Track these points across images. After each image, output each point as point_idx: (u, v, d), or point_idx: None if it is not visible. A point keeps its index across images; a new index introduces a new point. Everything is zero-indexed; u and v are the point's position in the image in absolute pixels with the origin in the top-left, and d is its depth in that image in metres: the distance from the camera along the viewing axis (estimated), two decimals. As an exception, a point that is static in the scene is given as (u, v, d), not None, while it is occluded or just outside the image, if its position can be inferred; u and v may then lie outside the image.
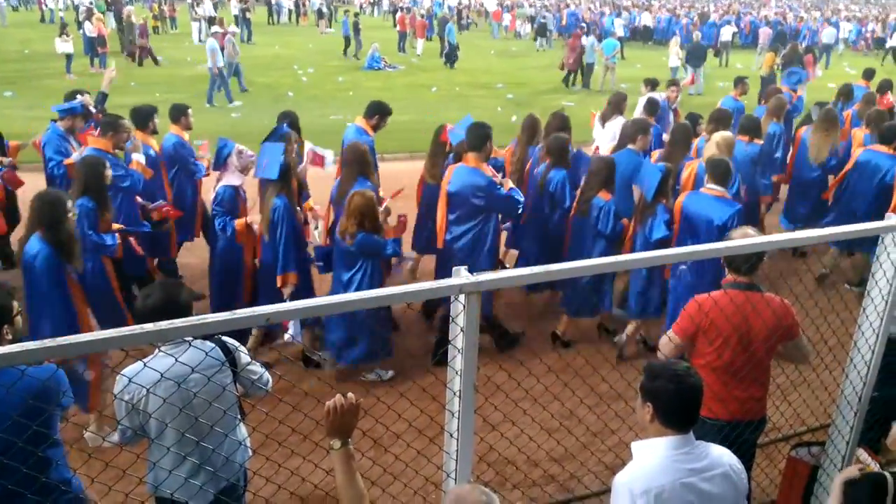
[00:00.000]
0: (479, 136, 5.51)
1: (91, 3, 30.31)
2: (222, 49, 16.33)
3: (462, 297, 2.23)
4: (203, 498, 2.92)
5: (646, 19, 34.81)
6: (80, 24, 23.33)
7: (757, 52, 26.57)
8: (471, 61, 25.18)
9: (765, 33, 27.39)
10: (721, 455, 2.50)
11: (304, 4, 40.17)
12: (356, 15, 27.35)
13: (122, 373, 2.74)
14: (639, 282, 5.77)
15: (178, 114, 6.74)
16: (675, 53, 20.53)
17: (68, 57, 19.28)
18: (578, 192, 6.00)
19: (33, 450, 2.44)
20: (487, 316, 5.79)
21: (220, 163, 5.58)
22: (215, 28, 17.71)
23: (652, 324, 5.90)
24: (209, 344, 2.93)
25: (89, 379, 4.34)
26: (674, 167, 6.07)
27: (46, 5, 35.46)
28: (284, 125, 6.28)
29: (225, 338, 3.04)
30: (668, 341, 3.44)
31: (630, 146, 6.45)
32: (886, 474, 2.73)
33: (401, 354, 5.66)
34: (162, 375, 2.39)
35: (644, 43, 33.45)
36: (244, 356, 3.10)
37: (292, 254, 5.24)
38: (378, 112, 6.83)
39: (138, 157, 6.08)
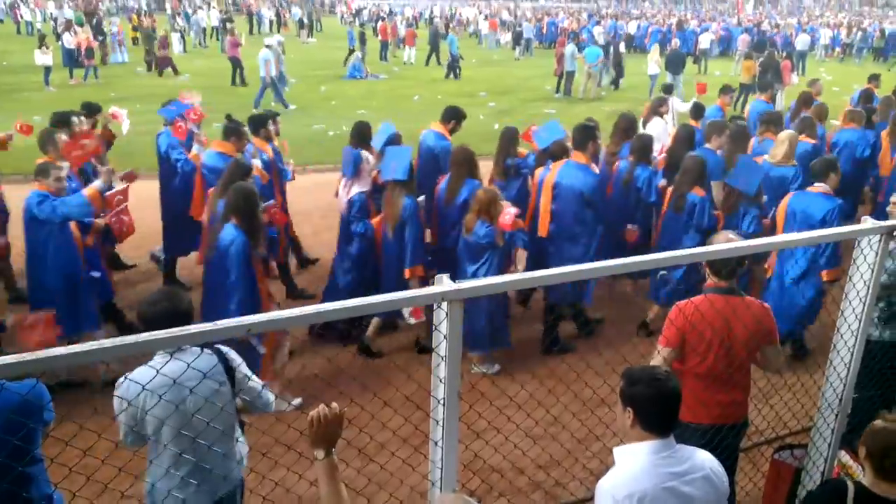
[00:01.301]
0: (584, 136, 6.07)
1: (69, 16, 30.16)
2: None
3: (445, 305, 2.23)
4: None
5: (631, 27, 35.12)
6: (58, 37, 23.17)
7: (735, 59, 26.88)
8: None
9: (743, 40, 27.70)
10: (702, 458, 2.52)
11: (284, 15, 40.18)
12: (362, 26, 27.40)
13: (126, 376, 2.72)
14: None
15: (260, 126, 6.95)
16: (654, 61, 20.71)
17: (47, 69, 19.12)
18: (669, 189, 6.31)
19: (14, 465, 2.41)
20: (574, 303, 6.22)
21: (353, 171, 5.86)
22: (268, 40, 18.22)
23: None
24: (212, 357, 2.89)
25: (263, 352, 4.83)
26: (731, 166, 6.45)
27: (22, 17, 35.16)
28: (393, 127, 6.71)
29: (227, 351, 3.01)
30: (657, 355, 3.42)
31: (706, 145, 6.94)
32: (847, 480, 2.75)
33: (382, 362, 5.65)
34: (169, 378, 2.39)
35: (628, 51, 33.72)
36: (242, 373, 3.04)
37: (420, 250, 5.67)
38: (454, 117, 7.19)
39: (256, 163, 6.32)
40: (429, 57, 27.10)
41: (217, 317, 4.90)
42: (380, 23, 30.33)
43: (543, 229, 6.09)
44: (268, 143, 6.88)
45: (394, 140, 6.46)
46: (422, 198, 5.93)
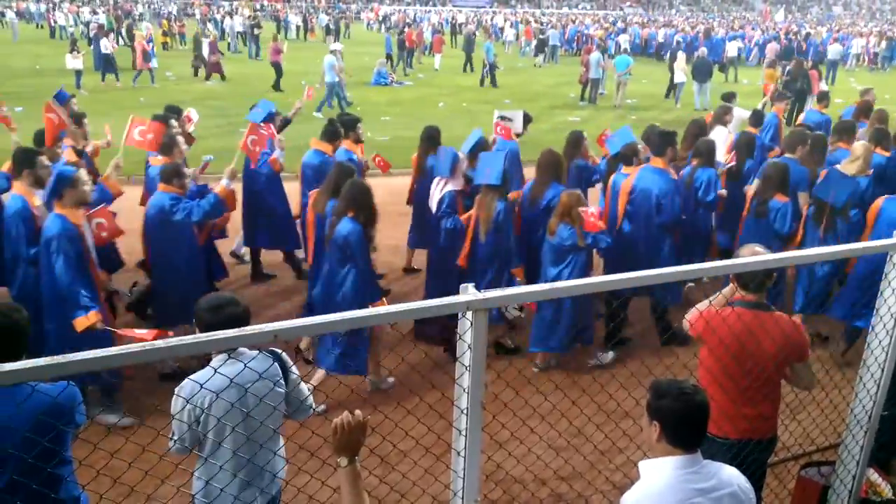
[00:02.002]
0: (663, 142, 6.25)
1: (101, 21, 30.70)
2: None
3: (469, 314, 2.23)
4: None
5: (660, 35, 34.99)
6: (90, 41, 23.62)
7: (763, 68, 26.61)
8: (478, 77, 25.34)
9: (772, 49, 27.44)
10: (729, 474, 2.49)
11: (311, 21, 40.57)
12: (400, 33, 27.65)
13: (189, 378, 2.75)
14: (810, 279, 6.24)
15: (349, 129, 7.23)
16: (681, 69, 20.59)
17: (78, 73, 19.48)
18: (749, 196, 6.42)
19: (44, 467, 2.45)
20: (665, 309, 6.34)
21: (450, 171, 6.09)
22: (333, 45, 18.80)
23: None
24: (268, 357, 2.95)
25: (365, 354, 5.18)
26: (811, 176, 6.63)
27: (56, 22, 35.88)
28: (481, 133, 7.01)
29: (281, 353, 3.04)
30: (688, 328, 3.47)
31: (788, 155, 6.97)
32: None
33: (405, 370, 5.66)
34: (231, 379, 2.46)
35: (657, 59, 33.59)
36: (295, 374, 3.08)
37: (516, 250, 5.90)
38: (523, 121, 7.64)
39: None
40: (465, 64, 27.26)
41: (334, 305, 5.06)
42: (406, 29, 30.51)
43: (617, 231, 6.26)
44: (357, 144, 7.21)
45: (481, 145, 6.76)
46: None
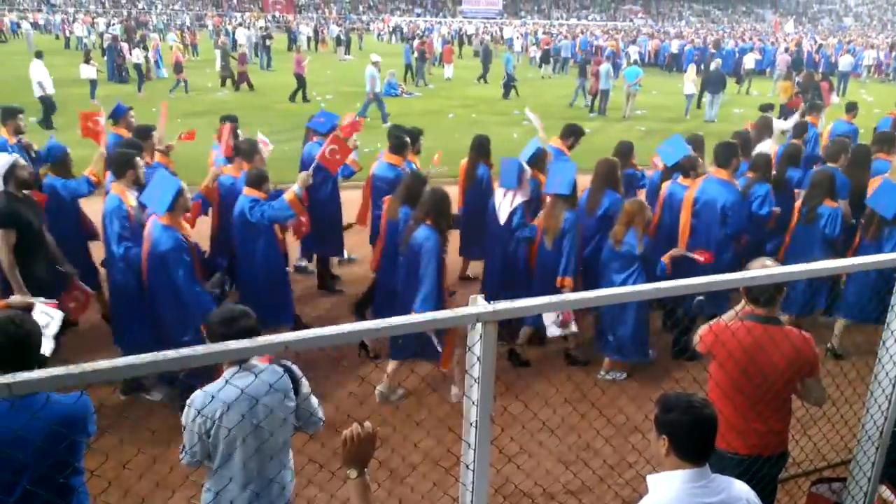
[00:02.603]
0: (728, 153, 6.25)
1: (116, 32, 31.01)
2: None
3: (479, 326, 2.23)
4: None
5: (674, 46, 35.02)
6: (104, 51, 23.85)
7: (774, 79, 26.58)
8: (488, 88, 25.41)
9: (783, 60, 27.39)
10: (738, 489, 2.48)
11: (322, 32, 40.82)
12: (422, 43, 27.85)
13: (202, 389, 2.78)
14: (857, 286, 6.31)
15: (414, 141, 7.46)
16: (690, 80, 20.59)
17: (92, 83, 19.66)
18: (799, 201, 6.54)
19: (57, 476, 2.46)
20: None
21: (517, 182, 6.12)
22: (374, 57, 19.12)
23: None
24: (279, 370, 2.96)
25: (443, 347, 5.16)
26: (855, 186, 6.75)
27: (72, 32, 36.26)
28: (539, 143, 7.07)
29: (291, 366, 3.05)
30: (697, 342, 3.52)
31: (831, 164, 7.05)
32: None
33: (415, 382, 5.66)
34: (242, 391, 2.48)
35: (669, 71, 33.60)
36: (305, 387, 3.08)
37: (575, 262, 5.87)
38: (573, 133, 7.62)
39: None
40: (482, 75, 27.36)
41: (402, 309, 5.00)
42: (416, 40, 30.66)
43: (683, 243, 6.30)
44: (416, 155, 7.44)
45: (539, 155, 6.87)
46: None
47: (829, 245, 6.25)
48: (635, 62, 23.57)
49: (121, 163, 5.48)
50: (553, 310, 2.39)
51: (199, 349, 1.93)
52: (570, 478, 3.55)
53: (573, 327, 5.74)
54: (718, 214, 6.13)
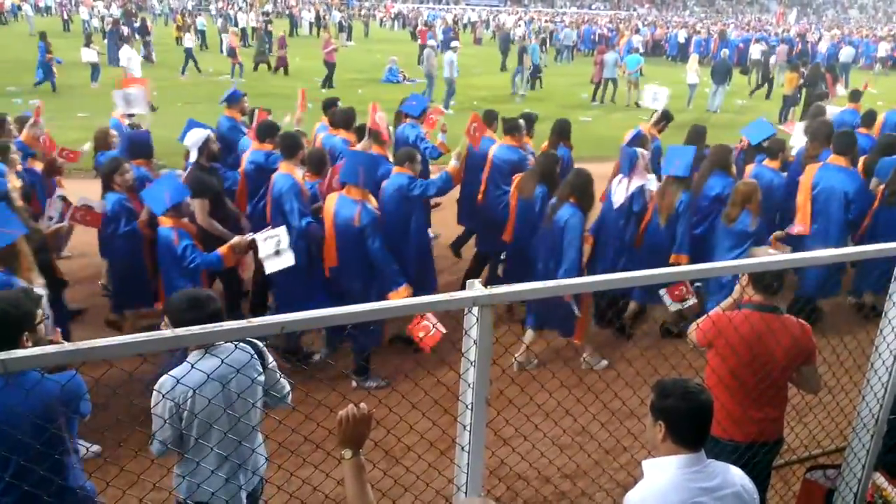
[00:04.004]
0: (848, 141, 6.48)
1: (118, 16, 30.83)
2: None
3: (475, 310, 2.24)
4: (236, 502, 2.96)
5: (681, 36, 34.81)
6: (104, 34, 23.71)
7: (776, 71, 26.46)
8: (489, 76, 25.30)
9: (781, 51, 27.27)
10: (733, 475, 2.48)
11: (324, 17, 40.63)
12: (405, 28, 27.78)
13: (168, 374, 2.76)
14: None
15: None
16: (693, 70, 20.49)
17: (94, 66, 19.55)
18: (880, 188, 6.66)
19: (51, 453, 2.47)
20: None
21: (630, 169, 6.25)
22: (454, 43, 19.51)
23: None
24: (246, 347, 2.95)
25: (578, 315, 5.61)
26: None
27: (69, 15, 35.94)
28: (640, 129, 7.73)
29: (259, 344, 3.06)
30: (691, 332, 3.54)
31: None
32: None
33: (411, 365, 5.68)
34: (208, 377, 2.44)
35: (675, 61, 33.41)
36: (271, 360, 3.12)
37: (688, 240, 6.14)
38: (665, 119, 8.21)
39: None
40: (503, 64, 27.27)
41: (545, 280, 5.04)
42: (419, 27, 30.50)
43: (806, 227, 6.52)
44: (531, 139, 7.74)
45: (639, 140, 7.25)
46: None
47: None
48: (636, 50, 23.45)
49: (292, 144, 5.79)
50: (547, 294, 2.39)
51: (194, 329, 1.93)
52: (566, 461, 3.57)
53: (691, 300, 5.91)
54: (840, 201, 6.32)
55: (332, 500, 2.88)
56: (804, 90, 18.07)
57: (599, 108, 19.96)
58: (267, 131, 6.59)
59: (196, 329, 1.92)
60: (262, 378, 3.00)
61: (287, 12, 42.35)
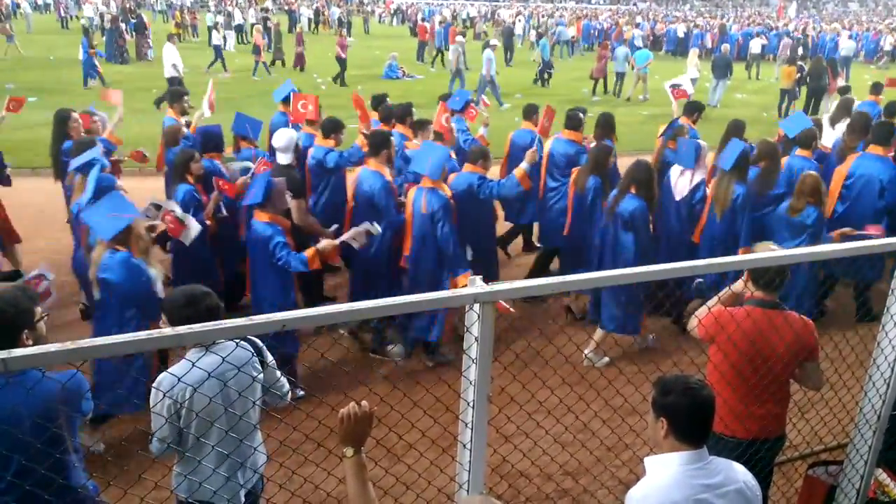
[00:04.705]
0: (886, 132, 6.60)
1: (116, 12, 30.75)
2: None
3: (477, 307, 2.23)
4: (237, 501, 2.95)
5: (680, 31, 34.77)
6: (103, 31, 23.64)
7: (777, 64, 26.40)
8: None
9: (785, 45, 27.21)
10: (736, 471, 2.48)
11: (323, 13, 40.51)
12: (404, 23, 27.82)
13: (167, 372, 2.76)
14: None
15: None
16: (693, 65, 20.46)
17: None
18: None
19: (52, 452, 2.47)
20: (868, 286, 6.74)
21: (694, 162, 6.44)
22: (491, 41, 19.60)
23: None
24: (245, 345, 2.94)
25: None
26: None
27: (68, 12, 35.79)
28: (678, 121, 7.73)
29: (258, 342, 3.06)
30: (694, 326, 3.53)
31: None
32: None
33: (412, 362, 5.68)
34: (209, 374, 2.42)
35: (675, 56, 33.34)
36: (269, 356, 3.11)
37: (748, 232, 6.17)
38: (697, 109, 8.39)
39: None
40: (507, 59, 27.23)
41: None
42: (419, 23, 30.43)
43: (829, 213, 6.54)
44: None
45: (677, 131, 7.26)
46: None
47: None
48: (644, 45, 23.45)
49: (379, 142, 5.93)
50: (552, 290, 2.38)
51: (196, 327, 1.92)
52: (567, 458, 3.56)
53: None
54: (876, 189, 6.43)
55: (333, 499, 2.87)
56: (804, 84, 18.03)
57: (600, 102, 19.91)
58: (332, 127, 6.69)
59: (197, 327, 1.91)
60: (261, 376, 3.00)
61: (286, 8, 42.15)
